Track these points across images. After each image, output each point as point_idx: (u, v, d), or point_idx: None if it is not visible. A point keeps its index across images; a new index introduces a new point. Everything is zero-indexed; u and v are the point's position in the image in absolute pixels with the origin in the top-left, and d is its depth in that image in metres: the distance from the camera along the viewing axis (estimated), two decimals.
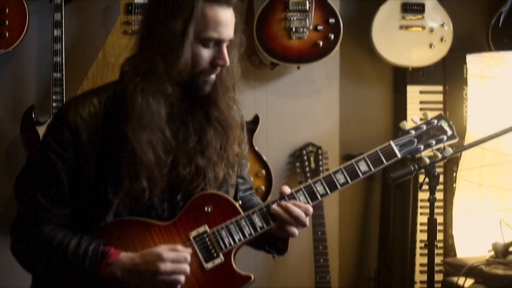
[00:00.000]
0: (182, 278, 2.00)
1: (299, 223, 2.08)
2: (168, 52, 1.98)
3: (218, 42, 2.02)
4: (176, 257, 2.00)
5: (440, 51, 3.91)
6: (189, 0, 1.98)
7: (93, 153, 2.02)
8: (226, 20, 2.02)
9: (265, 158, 3.87)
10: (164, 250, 2.00)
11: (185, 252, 2.02)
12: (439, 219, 3.87)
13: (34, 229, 2.04)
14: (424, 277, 3.49)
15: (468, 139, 3.31)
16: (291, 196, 2.11)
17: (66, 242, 2.01)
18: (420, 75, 4.01)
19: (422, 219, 3.94)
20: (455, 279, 2.90)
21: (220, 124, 2.11)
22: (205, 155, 2.09)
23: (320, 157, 3.91)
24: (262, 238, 2.16)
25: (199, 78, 2.03)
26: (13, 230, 2.08)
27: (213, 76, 2.06)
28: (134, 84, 1.99)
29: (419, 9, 3.89)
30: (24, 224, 2.06)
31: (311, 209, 2.09)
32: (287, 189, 2.13)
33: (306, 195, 2.11)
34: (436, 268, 2.49)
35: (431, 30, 3.90)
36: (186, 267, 2.01)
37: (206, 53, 2.02)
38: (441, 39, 3.89)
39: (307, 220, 2.09)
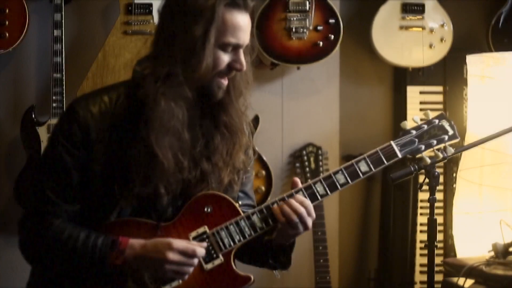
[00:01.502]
0: (189, 269, 2.01)
1: (301, 220, 2.06)
2: (190, 56, 1.98)
3: (236, 47, 2.03)
4: (185, 249, 2.00)
5: (440, 51, 3.91)
6: (210, 5, 1.97)
7: (101, 151, 2.02)
8: (244, 25, 2.02)
9: (265, 158, 3.87)
10: (175, 240, 2.01)
11: (196, 245, 2.02)
12: (439, 219, 3.87)
13: (43, 223, 2.04)
14: (424, 277, 3.49)
15: (468, 139, 3.30)
16: (291, 196, 2.10)
17: (75, 235, 2.02)
18: (420, 75, 4.01)
19: (422, 219, 3.94)
20: (455, 279, 2.90)
21: (227, 129, 2.10)
22: (211, 160, 2.08)
23: (320, 157, 3.91)
24: (265, 252, 2.16)
25: (213, 80, 2.04)
26: (22, 226, 2.08)
27: (226, 81, 2.06)
28: (155, 88, 1.99)
29: (419, 9, 3.89)
30: (33, 219, 2.06)
31: (307, 202, 2.07)
32: (297, 181, 2.12)
33: (306, 195, 2.10)
34: (436, 269, 2.48)
35: (431, 30, 3.90)
36: (194, 261, 2.01)
37: (224, 57, 2.02)
38: (441, 39, 3.90)
39: (309, 220, 2.07)
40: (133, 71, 2.08)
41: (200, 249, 2.03)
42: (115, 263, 1.99)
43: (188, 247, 2.01)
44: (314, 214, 2.08)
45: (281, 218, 2.06)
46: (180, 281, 2.04)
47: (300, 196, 2.09)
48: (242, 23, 2.02)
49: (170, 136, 2.01)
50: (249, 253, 2.21)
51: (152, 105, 1.99)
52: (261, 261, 2.22)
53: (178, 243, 2.00)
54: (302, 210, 2.06)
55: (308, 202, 2.08)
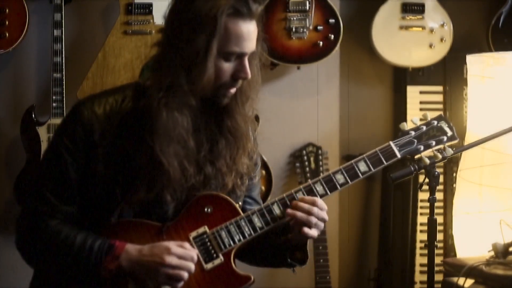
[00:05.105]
0: (185, 274, 2.00)
1: (312, 217, 2.06)
2: (192, 68, 1.97)
3: (240, 55, 2.01)
4: (183, 253, 2.00)
5: (440, 51, 3.91)
6: (212, 15, 1.95)
7: (104, 153, 2.02)
8: (249, 33, 2.01)
9: (265, 158, 3.87)
10: (172, 245, 2.01)
11: (193, 251, 2.03)
12: (439, 219, 3.87)
13: (39, 223, 2.03)
14: (424, 277, 3.49)
15: (468, 139, 3.30)
16: (290, 196, 2.11)
17: (72, 237, 2.01)
18: (420, 75, 4.01)
19: (422, 219, 3.94)
20: (455, 279, 2.90)
21: (231, 134, 2.09)
22: (215, 165, 2.08)
23: (320, 157, 3.91)
24: (283, 252, 2.16)
25: (219, 91, 2.03)
26: (19, 224, 2.08)
27: (233, 90, 2.05)
28: (157, 99, 1.98)
29: (419, 9, 3.89)
30: (29, 218, 2.06)
31: (318, 200, 2.07)
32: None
33: (306, 195, 2.10)
34: (436, 268, 2.48)
35: (431, 30, 3.90)
36: (191, 265, 2.01)
37: (227, 67, 2.00)
38: (441, 39, 3.90)
39: (323, 214, 2.07)
40: (139, 74, 2.08)
41: (196, 254, 2.03)
42: (108, 268, 1.98)
43: (187, 252, 2.01)
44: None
45: (298, 212, 2.05)
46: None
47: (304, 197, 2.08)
48: (246, 32, 2.00)
49: (175, 144, 2.00)
50: (263, 256, 2.22)
51: (155, 116, 1.98)
52: (278, 262, 2.22)
53: (177, 248, 2.00)
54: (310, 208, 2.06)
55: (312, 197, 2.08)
